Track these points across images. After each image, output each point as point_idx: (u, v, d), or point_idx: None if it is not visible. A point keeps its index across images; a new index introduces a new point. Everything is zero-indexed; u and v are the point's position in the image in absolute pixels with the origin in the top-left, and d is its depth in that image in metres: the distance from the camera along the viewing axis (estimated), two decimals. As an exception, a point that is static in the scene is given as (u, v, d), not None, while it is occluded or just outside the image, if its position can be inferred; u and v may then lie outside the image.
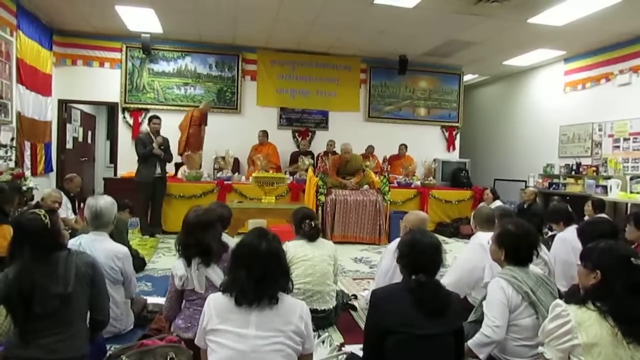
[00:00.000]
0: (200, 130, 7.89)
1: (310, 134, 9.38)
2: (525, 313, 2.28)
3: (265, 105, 9.19)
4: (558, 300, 1.86)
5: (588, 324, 1.71)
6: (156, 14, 7.17)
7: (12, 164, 6.22)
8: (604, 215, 5.14)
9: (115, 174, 8.59)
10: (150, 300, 3.54)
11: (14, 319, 2.11)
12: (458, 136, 10.22)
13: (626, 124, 7.56)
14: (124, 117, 8.66)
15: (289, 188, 7.13)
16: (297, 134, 9.35)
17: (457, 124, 10.13)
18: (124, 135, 8.69)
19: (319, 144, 9.16)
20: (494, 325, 2.25)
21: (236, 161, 8.35)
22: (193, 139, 7.74)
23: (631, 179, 7.22)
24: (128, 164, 7.85)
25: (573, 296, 2.29)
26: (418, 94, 9.88)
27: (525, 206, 6.90)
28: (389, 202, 6.92)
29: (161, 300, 3.44)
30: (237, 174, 7.76)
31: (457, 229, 7.47)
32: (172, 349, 2.22)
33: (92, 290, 2.19)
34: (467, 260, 3.28)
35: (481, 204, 7.22)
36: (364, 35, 7.94)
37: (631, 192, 6.99)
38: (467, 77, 10.82)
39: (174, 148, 7.06)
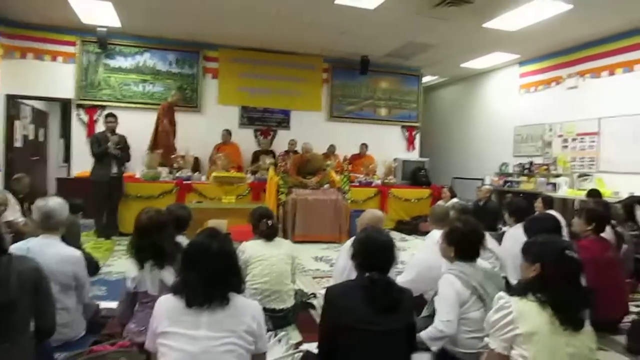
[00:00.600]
0: (170, 127, 7.70)
1: (271, 133, 9.35)
2: (474, 306, 2.37)
3: (226, 103, 9.09)
4: (501, 293, 1.94)
5: (528, 314, 1.79)
6: (114, 7, 6.95)
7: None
8: (552, 211, 5.38)
9: (69, 173, 8.29)
10: (105, 305, 3.44)
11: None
12: (418, 136, 10.42)
13: (573, 124, 7.92)
14: (79, 114, 8.37)
15: (250, 187, 7.10)
16: (258, 133, 9.29)
17: (417, 124, 10.33)
18: (79, 133, 8.40)
19: (280, 143, 9.14)
20: (446, 320, 2.34)
21: (196, 160, 8.22)
22: (163, 136, 7.55)
23: (578, 176, 7.57)
24: (83, 163, 7.58)
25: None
26: (379, 94, 10.01)
27: (481, 204, 7.12)
28: (349, 201, 6.99)
29: (115, 305, 3.35)
30: (197, 173, 7.64)
31: (416, 227, 7.63)
32: (124, 354, 2.18)
33: (36, 297, 2.10)
34: (423, 258, 3.36)
35: (438, 202, 7.40)
36: (326, 35, 7.98)
37: (578, 189, 7.33)
38: (427, 79, 11.05)
39: (136, 146, 6.90)
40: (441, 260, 3.07)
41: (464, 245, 2.49)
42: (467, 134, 10.85)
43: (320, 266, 5.37)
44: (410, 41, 8.09)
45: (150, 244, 2.47)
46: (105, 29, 7.90)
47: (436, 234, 3.37)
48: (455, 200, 6.97)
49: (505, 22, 6.74)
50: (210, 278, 1.76)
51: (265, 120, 9.35)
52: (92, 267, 4.55)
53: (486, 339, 1.93)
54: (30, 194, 5.72)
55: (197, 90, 8.85)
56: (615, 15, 6.35)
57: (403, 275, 3.29)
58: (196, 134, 8.41)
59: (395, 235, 7.13)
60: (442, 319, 2.35)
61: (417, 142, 10.39)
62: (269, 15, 7.05)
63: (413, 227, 7.65)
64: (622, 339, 3.14)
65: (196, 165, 8.14)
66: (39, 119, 9.25)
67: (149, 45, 8.57)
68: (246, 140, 9.06)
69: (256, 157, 8.40)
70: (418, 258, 3.42)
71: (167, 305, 1.78)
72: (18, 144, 8.23)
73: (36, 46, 8.03)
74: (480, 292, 2.38)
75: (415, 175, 8.73)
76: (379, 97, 10.01)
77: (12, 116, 8.02)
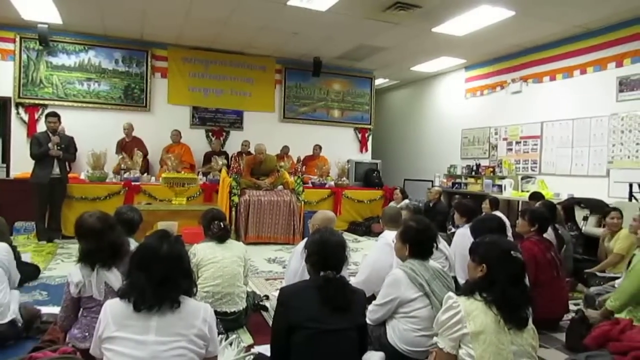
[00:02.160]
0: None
1: (224, 133, 9.23)
2: (420, 303, 2.44)
3: (176, 103, 8.89)
4: (450, 293, 2.00)
5: (475, 314, 1.85)
6: (54, 3, 6.65)
7: None
8: (498, 212, 5.61)
9: (8, 174, 7.84)
10: (46, 310, 3.28)
11: None
12: (370, 138, 10.57)
13: (517, 128, 8.29)
14: (18, 113, 7.94)
15: (202, 189, 6.98)
16: (210, 134, 9.15)
17: (369, 126, 10.49)
18: (18, 133, 7.96)
19: (233, 144, 9.05)
20: (374, 305, 2.57)
21: (146, 161, 7.99)
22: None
23: (522, 178, 7.93)
24: (23, 164, 7.18)
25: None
26: (332, 96, 10.10)
27: (431, 205, 7.32)
28: (303, 202, 7.00)
29: (57, 310, 3.21)
30: (146, 174, 7.44)
31: (369, 228, 7.74)
32: (66, 361, 2.09)
33: None
34: (375, 258, 3.42)
35: (390, 203, 7.55)
36: (279, 36, 7.96)
37: (522, 191, 7.67)
38: (379, 81, 11.25)
39: (80, 146, 6.64)
40: (393, 260, 3.14)
41: (417, 243, 2.57)
42: (418, 136, 11.13)
43: (273, 268, 5.34)
44: (362, 43, 8.21)
45: (106, 245, 2.39)
46: (46, 25, 7.55)
47: (388, 235, 3.44)
48: (407, 201, 7.14)
49: (453, 27, 6.97)
50: (161, 281, 1.71)
51: (217, 121, 9.22)
52: (32, 270, 4.35)
53: (435, 338, 1.99)
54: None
55: (146, 89, 8.60)
56: (554, 22, 6.69)
57: (357, 276, 3.34)
58: (146, 134, 8.18)
59: (348, 237, 7.23)
60: (374, 302, 2.58)
61: (369, 143, 10.55)
62: (221, 16, 6.96)
63: (366, 228, 7.76)
64: (562, 336, 3.25)
65: (145, 166, 7.92)
66: (-27, 117, 8.71)
67: (93, 43, 8.26)
68: (198, 141, 8.90)
69: (208, 158, 8.26)
70: (370, 259, 3.48)
71: (113, 309, 1.72)
72: (-50, 143, 7.73)
73: (-29, 41, 7.57)
74: (427, 290, 2.45)
75: (367, 177, 8.86)
76: (332, 99, 10.10)
77: (-58, 114, 7.52)
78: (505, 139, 8.58)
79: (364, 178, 8.93)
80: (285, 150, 8.98)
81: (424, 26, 7.00)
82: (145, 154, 7.88)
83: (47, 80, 8.02)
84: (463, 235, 3.89)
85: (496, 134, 8.78)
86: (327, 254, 2.11)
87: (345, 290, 2.08)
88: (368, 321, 2.44)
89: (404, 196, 7.49)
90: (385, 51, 8.59)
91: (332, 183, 8.21)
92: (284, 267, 5.35)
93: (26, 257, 4.64)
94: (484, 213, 5.66)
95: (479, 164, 8.96)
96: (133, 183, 6.70)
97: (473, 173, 9.01)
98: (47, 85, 8.02)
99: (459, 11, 6.36)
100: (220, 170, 7.13)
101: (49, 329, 2.74)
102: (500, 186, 8.00)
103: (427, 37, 7.53)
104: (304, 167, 8.00)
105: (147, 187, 6.74)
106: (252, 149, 8.08)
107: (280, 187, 7.16)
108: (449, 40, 7.60)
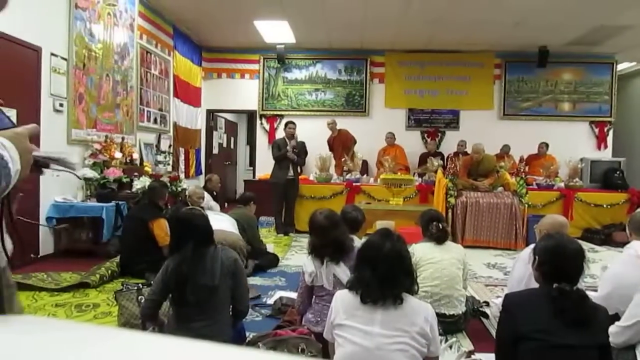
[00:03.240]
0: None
1: (439, 134, 9.15)
2: None
3: (393, 107, 9.20)
4: None
5: None
6: (290, 25, 7.61)
7: (169, 168, 7.10)
8: None
9: (254, 176, 9.30)
10: (284, 294, 3.78)
11: (172, 304, 2.43)
12: (611, 132, 9.12)
13: None
14: (261, 123, 9.34)
15: (418, 190, 7.04)
16: (425, 135, 9.18)
17: (609, 119, 9.05)
18: (261, 140, 9.37)
19: (449, 145, 8.90)
20: (621, 325, 2.21)
21: (364, 163, 8.47)
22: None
23: None
24: (265, 167, 8.44)
25: None
26: (561, 87, 9.04)
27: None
28: (526, 205, 6.45)
29: (293, 295, 3.66)
30: (365, 175, 7.87)
31: (609, 236, 6.67)
32: (303, 341, 2.36)
33: (234, 283, 2.43)
34: (619, 272, 2.94)
35: (639, 209, 6.37)
36: (497, 29, 7.51)
37: None
38: (622, 66, 9.59)
39: (309, 151, 7.43)
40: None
41: None
42: (678, 128, 9.11)
43: (492, 273, 5.06)
44: (600, 25, 7.13)
45: (328, 241, 2.63)
46: (283, 46, 8.69)
47: (637, 245, 2.92)
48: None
49: None
50: (383, 277, 1.80)
51: (432, 122, 9.20)
52: (273, 259, 5.06)
53: None
54: (222, 192, 6.59)
55: (365, 95, 9.13)
56: None
57: (598, 291, 2.92)
58: (364, 137, 8.66)
59: (584, 245, 6.34)
60: (618, 323, 2.22)
61: (609, 139, 9.10)
62: (435, 15, 6.92)
63: (605, 236, 6.70)
64: None
65: (364, 168, 8.40)
66: (230, 129, 10.59)
67: (320, 57, 9.15)
68: (413, 143, 9.03)
69: (423, 159, 8.30)
70: (613, 272, 2.99)
71: (343, 299, 1.88)
72: (215, 151, 9.54)
73: (228, 67, 9.27)
74: None
75: (607, 178, 7.63)
76: (560, 91, 9.05)
77: (211, 128, 9.34)
78: None
79: (602, 179, 7.71)
80: (505, 150, 8.40)
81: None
82: (353, 142, 8.19)
83: (283, 93, 9.22)
84: None
85: None
86: (562, 263, 1.90)
87: (584, 304, 1.84)
88: (611, 344, 2.12)
89: (658, 201, 6.24)
90: (633, 30, 7.28)
91: (562, 184, 7.34)
92: (505, 273, 5.03)
93: (270, 248, 5.42)
94: None
95: None
96: (354, 184, 7.17)
97: None
98: (284, 97, 9.22)
99: None
100: (435, 172, 7.08)
101: (288, 311, 3.14)
102: None
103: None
104: (527, 167, 7.35)
105: (366, 188, 7.12)
106: (468, 149, 7.81)
107: (500, 188, 6.74)
108: None
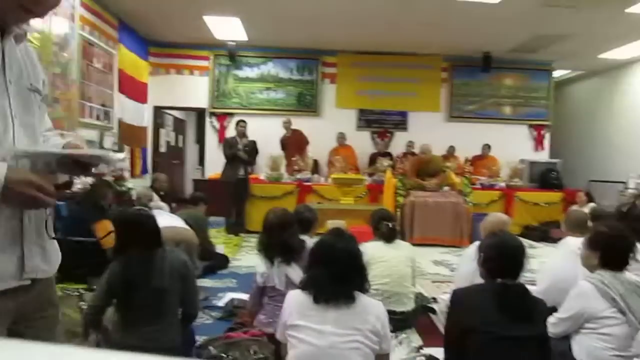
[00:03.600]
0: None
1: (389, 135, 9.33)
2: (613, 320, 2.17)
3: (343, 107, 9.27)
4: None
5: None
6: (241, 22, 7.50)
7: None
8: None
9: (203, 175, 9.11)
10: (235, 295, 3.73)
11: (117, 309, 2.34)
12: (548, 135, 9.63)
13: None
14: (211, 122, 9.16)
15: (368, 189, 7.15)
16: (375, 135, 9.33)
17: (546, 122, 9.55)
18: (211, 139, 9.19)
19: (398, 145, 9.08)
20: (557, 318, 2.31)
21: (315, 163, 8.50)
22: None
23: None
24: (215, 166, 8.28)
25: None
26: (503, 91, 9.45)
27: (624, 210, 6.35)
28: (471, 204, 6.70)
29: (245, 296, 3.62)
30: (316, 175, 7.90)
31: (546, 233, 7.06)
32: (256, 343, 2.34)
33: (183, 286, 2.36)
34: (557, 267, 3.11)
35: (572, 207, 6.77)
36: (447, 34, 7.74)
37: None
38: (558, 73, 10.16)
39: (260, 150, 7.37)
40: (578, 270, 2.82)
41: (609, 252, 2.26)
42: (606, 132, 9.75)
43: (440, 270, 5.23)
44: (539, 33, 7.50)
45: (277, 241, 2.62)
46: (234, 43, 8.56)
47: (572, 241, 3.10)
48: (592, 205, 6.34)
49: (655, 4, 5.96)
50: (336, 276, 1.81)
51: (382, 123, 9.35)
52: (222, 260, 4.98)
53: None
54: (170, 192, 6.41)
55: (316, 95, 9.15)
56: None
57: (537, 285, 3.08)
58: (315, 137, 8.68)
59: (523, 242, 6.68)
60: (556, 315, 2.32)
61: (546, 141, 9.61)
62: (389, 18, 7.04)
63: (543, 233, 7.08)
64: None
65: (315, 168, 8.43)
66: (179, 127, 10.31)
67: (272, 55, 9.08)
68: (363, 143, 9.14)
69: (373, 159, 8.44)
70: (551, 267, 3.17)
71: (296, 299, 1.88)
72: (162, 149, 9.26)
73: (177, 62, 9.01)
74: (621, 306, 2.15)
75: (544, 178, 8.07)
76: (502, 95, 9.45)
77: (158, 125, 9.06)
78: None
79: (540, 179, 8.14)
80: (451, 151, 8.69)
81: (615, 8, 6.11)
82: (307, 144, 8.21)
83: (234, 91, 9.09)
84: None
85: None
86: (505, 260, 1.99)
87: (526, 298, 1.94)
88: (550, 334, 2.24)
89: (590, 199, 6.67)
90: (567, 39, 7.72)
91: (503, 184, 7.69)
92: (452, 270, 5.20)
93: (219, 249, 5.33)
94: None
95: (691, 163, 7.49)
96: (305, 183, 7.19)
97: (682, 174, 7.57)
98: (235, 95, 9.09)
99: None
100: (385, 171, 7.23)
101: (240, 313, 3.11)
102: None
103: (619, 20, 6.56)
104: (471, 168, 7.65)
105: (317, 187, 7.15)
106: (416, 150, 8.01)
107: (446, 188, 6.96)
108: (648, 20, 6.52)
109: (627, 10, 6.16)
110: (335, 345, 1.75)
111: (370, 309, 1.84)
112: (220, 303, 3.67)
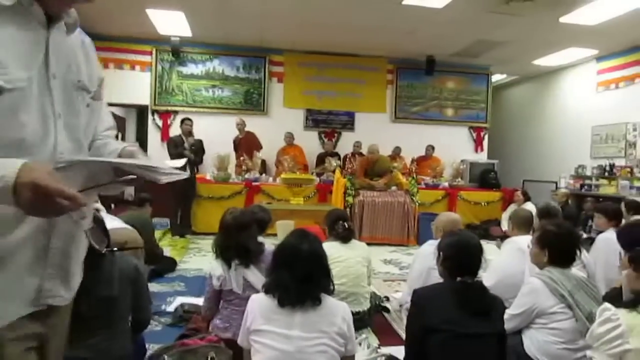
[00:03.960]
0: None
1: (336, 135, 9.39)
2: (562, 316, 2.27)
3: (291, 106, 9.23)
4: (607, 304, 1.82)
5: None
6: (186, 17, 7.27)
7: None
8: (638, 217, 4.99)
9: (146, 175, 8.73)
10: (185, 300, 3.59)
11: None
12: (486, 137, 10.07)
13: (663, 123, 7.34)
14: (154, 120, 8.82)
15: (317, 189, 7.14)
16: (323, 135, 9.36)
17: (485, 125, 9.99)
18: (154, 137, 8.84)
19: (345, 145, 9.16)
20: (509, 313, 2.35)
21: (263, 162, 8.39)
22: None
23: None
24: (158, 166, 7.98)
25: (616, 299, 2.26)
26: (445, 94, 9.78)
27: (556, 208, 6.75)
28: (417, 204, 6.87)
29: (195, 300, 3.50)
30: (264, 175, 7.81)
31: (487, 231, 7.35)
32: (213, 349, 2.25)
33: (134, 292, 2.23)
34: (503, 264, 3.23)
35: (510, 206, 7.12)
36: (392, 36, 7.90)
37: (669, 194, 6.78)
38: (496, 77, 10.67)
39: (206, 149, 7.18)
40: (525, 267, 2.95)
41: (558, 249, 2.37)
42: (539, 135, 10.36)
43: (389, 269, 5.31)
44: (479, 39, 7.84)
45: (234, 243, 2.54)
46: (178, 38, 8.28)
47: (518, 240, 3.23)
48: (529, 204, 6.69)
49: (584, 15, 6.37)
50: (302, 278, 1.77)
51: (329, 123, 9.40)
52: (170, 263, 4.79)
53: (589, 353, 1.83)
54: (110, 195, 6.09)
55: (264, 94, 9.05)
56: None
57: (484, 281, 3.18)
58: (263, 136, 8.58)
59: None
60: (509, 311, 2.36)
61: (485, 143, 10.05)
62: (336, 19, 7.08)
63: (483, 231, 7.37)
64: None
65: (263, 167, 8.32)
66: (118, 124, 9.80)
67: (218, 52, 8.88)
68: (311, 143, 9.14)
69: (321, 159, 8.46)
70: (499, 264, 3.29)
71: (260, 303, 1.82)
72: (100, 148, 8.78)
73: (117, 56, 8.58)
74: (570, 302, 2.26)
75: (483, 178, 8.43)
76: (445, 98, 9.78)
77: (95, 122, 8.58)
78: (646, 136, 7.64)
79: (479, 179, 8.50)
80: (397, 151, 8.88)
81: (550, 16, 6.48)
82: (259, 148, 8.13)
83: (178, 88, 8.80)
84: (607, 241, 3.53)
85: (634, 130, 7.85)
86: (465, 258, 2.03)
87: (485, 295, 1.99)
88: None
89: (526, 198, 7.03)
90: (505, 45, 8.12)
91: (446, 184, 7.95)
92: (401, 268, 5.31)
93: (166, 252, 5.12)
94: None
95: (613, 164, 8.09)
96: (253, 183, 7.07)
97: (606, 174, 8.17)
98: (178, 93, 8.79)
99: (593, -3, 5.81)
100: (334, 171, 7.25)
101: (192, 318, 2.98)
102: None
103: (553, 28, 6.98)
104: (416, 168, 7.85)
105: (266, 187, 7.06)
106: (363, 150, 8.12)
107: (394, 188, 7.10)
108: (578, 30, 6.96)
109: (561, 19, 6.56)
110: (302, 350, 1.71)
111: (337, 310, 1.81)
112: (170, 308, 3.52)
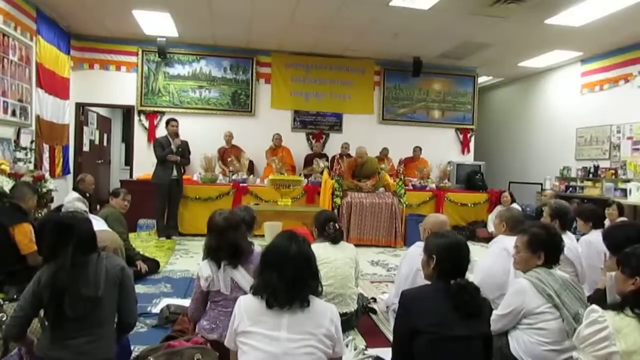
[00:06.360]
0: None
1: (324, 136, 9.39)
2: (549, 316, 2.29)
3: (279, 107, 9.20)
4: (594, 306, 1.83)
5: (627, 331, 1.68)
6: (172, 17, 7.21)
7: (31, 166, 6.29)
8: (624, 218, 5.07)
9: (131, 175, 8.65)
10: (171, 301, 3.56)
11: (45, 320, 2.13)
12: (473, 138, 10.15)
13: (645, 126, 7.46)
14: (140, 120, 8.72)
15: (304, 190, 7.13)
16: (311, 137, 9.35)
17: (471, 127, 10.07)
18: (140, 138, 8.75)
19: (333, 147, 9.16)
20: (499, 314, 2.37)
21: (251, 164, 8.37)
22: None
23: (651, 181, 7.12)
24: (144, 167, 7.92)
25: (600, 301, 2.28)
26: (432, 96, 9.83)
27: (542, 209, 6.82)
28: (404, 205, 6.89)
29: (181, 302, 3.47)
30: (252, 176, 7.78)
31: (473, 232, 7.41)
32: (199, 351, 2.22)
33: (120, 294, 2.20)
34: (488, 264, 3.25)
35: (497, 207, 7.18)
36: (379, 38, 7.92)
37: (651, 195, 6.89)
38: (482, 79, 10.76)
39: (193, 150, 7.13)
40: (510, 267, 2.96)
41: (553, 251, 2.40)
42: (525, 137, 10.47)
43: (377, 270, 5.31)
44: (465, 41, 7.89)
45: (224, 244, 2.52)
46: (164, 39, 8.20)
47: (505, 240, 3.24)
48: (515, 205, 6.76)
49: (569, 17, 6.45)
50: (291, 280, 1.76)
51: (317, 124, 9.39)
52: (153, 265, 4.73)
53: (575, 354, 1.85)
54: (95, 193, 6.00)
55: (251, 95, 9.01)
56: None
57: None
58: (251, 137, 8.57)
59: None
60: (496, 312, 2.37)
61: (471, 144, 10.12)
62: (322, 21, 7.08)
63: (470, 232, 7.43)
64: None
65: (251, 168, 8.29)
66: (103, 125, 9.74)
67: (205, 53, 8.82)
68: (298, 144, 9.12)
69: (309, 160, 8.44)
70: (484, 263, 3.31)
71: (247, 305, 1.80)
72: (85, 148, 8.69)
73: (102, 57, 8.49)
74: (557, 302, 2.28)
75: (470, 179, 8.49)
76: (432, 99, 9.83)
77: (81, 123, 8.49)
78: (630, 138, 7.74)
79: (466, 180, 8.56)
80: (384, 152, 8.90)
81: (536, 18, 6.56)
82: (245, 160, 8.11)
83: (165, 89, 8.72)
84: (589, 243, 3.57)
85: (619, 132, 7.97)
86: (458, 260, 2.02)
87: (478, 296, 1.98)
88: None
89: (513, 199, 7.11)
90: (490, 47, 8.19)
91: (433, 186, 7.99)
92: (388, 270, 5.31)
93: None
94: (607, 220, 5.15)
95: (598, 166, 8.21)
96: (241, 185, 7.04)
97: (590, 175, 8.28)
98: (165, 94, 8.71)
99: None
100: (321, 173, 7.25)
101: (179, 320, 2.95)
102: (624, 190, 7.25)
103: (539, 30, 7.06)
104: (404, 170, 7.87)
105: (253, 189, 7.04)
106: (351, 152, 8.13)
107: (381, 189, 7.11)
108: (563, 32, 7.06)
109: (546, 21, 6.63)
110: (289, 352, 1.70)
111: (324, 312, 1.80)
112: (155, 310, 3.49)
